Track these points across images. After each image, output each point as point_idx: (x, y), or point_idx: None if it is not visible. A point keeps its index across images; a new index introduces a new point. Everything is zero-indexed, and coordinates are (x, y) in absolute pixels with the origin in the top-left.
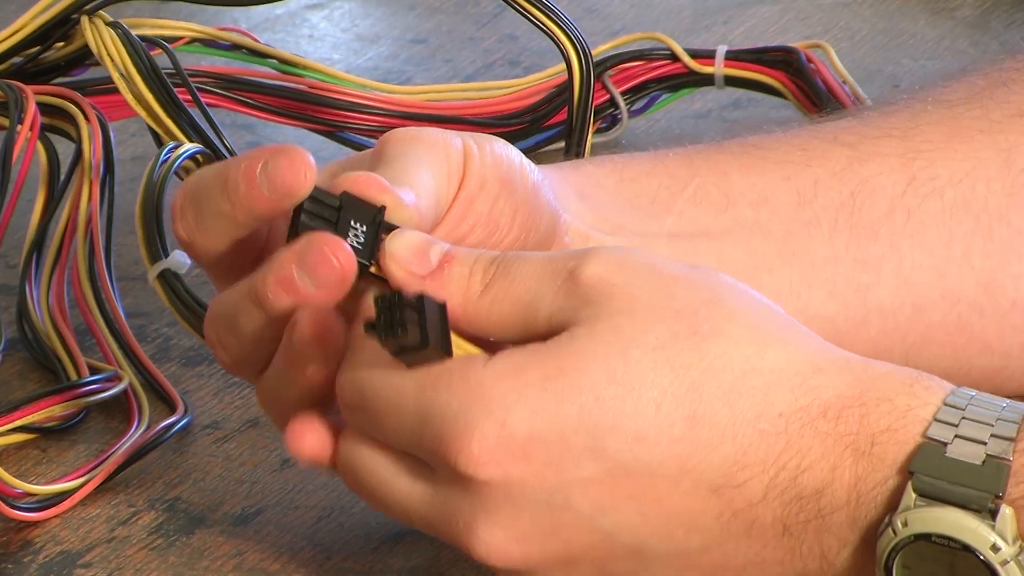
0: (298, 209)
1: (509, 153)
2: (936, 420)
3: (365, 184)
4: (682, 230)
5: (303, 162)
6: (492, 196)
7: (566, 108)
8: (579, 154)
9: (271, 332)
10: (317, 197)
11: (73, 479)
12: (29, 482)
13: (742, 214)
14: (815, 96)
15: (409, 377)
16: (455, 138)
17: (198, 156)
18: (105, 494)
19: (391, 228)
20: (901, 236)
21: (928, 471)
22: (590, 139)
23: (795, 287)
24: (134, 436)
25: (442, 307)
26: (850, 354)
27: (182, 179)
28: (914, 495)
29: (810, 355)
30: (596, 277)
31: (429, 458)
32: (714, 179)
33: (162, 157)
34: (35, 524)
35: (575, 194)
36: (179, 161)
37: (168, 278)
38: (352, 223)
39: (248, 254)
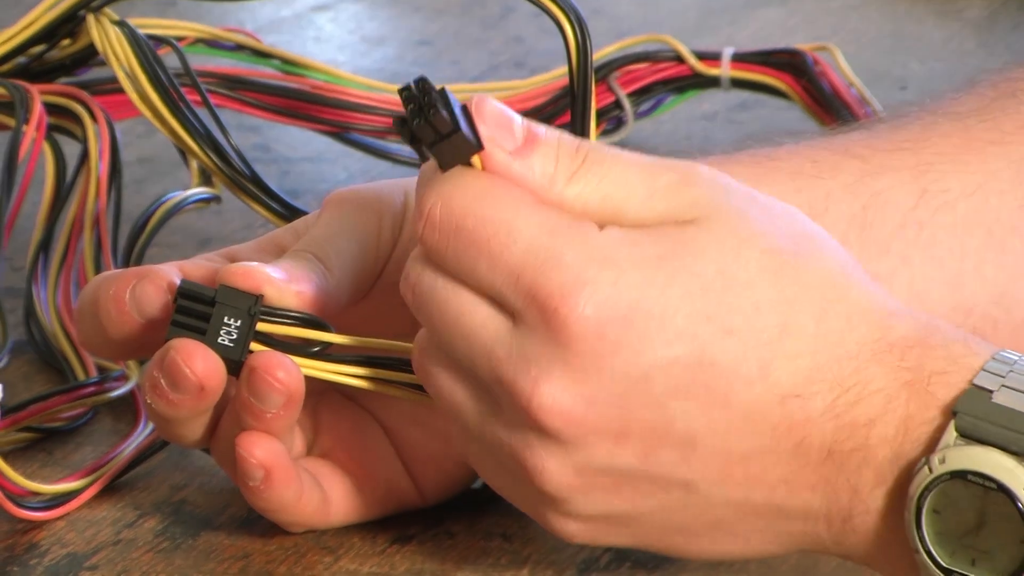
0: (174, 307)
1: None
2: (984, 370)
3: (240, 276)
4: None
5: (169, 286)
6: None
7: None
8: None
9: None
10: (191, 293)
11: (79, 479)
12: (35, 483)
13: None
14: (821, 98)
15: (524, 219)
16: (396, 195)
17: (202, 202)
18: (111, 496)
19: (272, 314)
20: (913, 249)
21: (972, 412)
22: (593, 122)
23: None
24: (141, 437)
25: (464, 106)
26: (912, 308)
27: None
28: (955, 434)
29: (884, 300)
30: (703, 192)
31: (521, 301)
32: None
33: (155, 206)
34: (41, 526)
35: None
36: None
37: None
38: (225, 319)
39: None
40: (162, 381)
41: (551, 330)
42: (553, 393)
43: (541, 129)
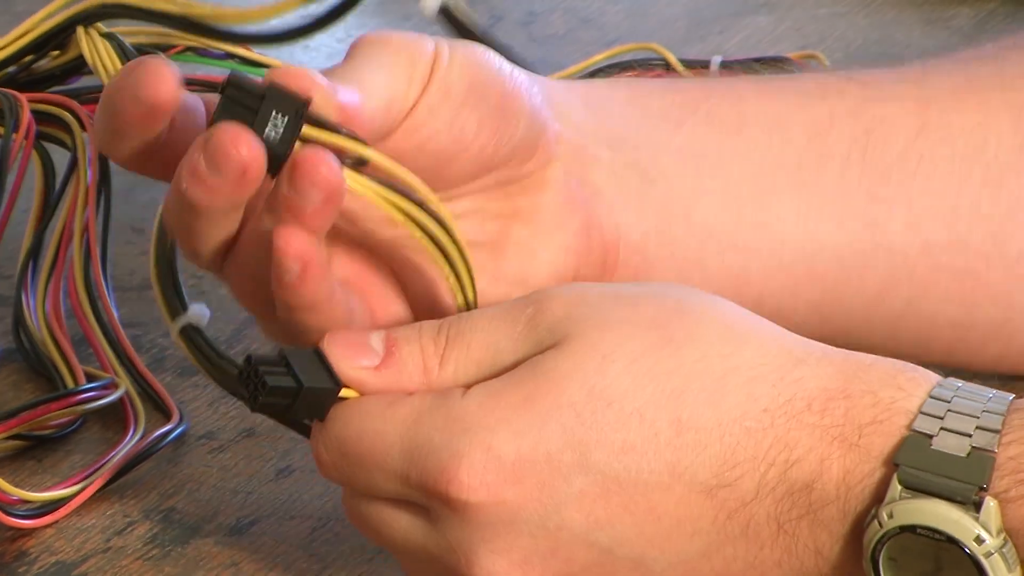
0: (220, 95)
1: (486, 59)
2: (921, 412)
3: (292, 76)
4: (691, 148)
5: (161, 72)
6: (457, 103)
7: None
8: None
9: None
10: (241, 85)
11: (68, 486)
12: (24, 490)
13: (755, 137)
14: None
15: (388, 422)
16: (427, 42)
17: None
18: (100, 504)
19: (318, 122)
20: (912, 179)
21: (913, 463)
22: None
23: (803, 215)
24: (130, 444)
25: (313, 352)
26: (828, 347)
27: None
28: (899, 487)
29: (788, 348)
30: (558, 312)
31: (421, 497)
32: (729, 101)
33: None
34: (30, 534)
35: (580, 103)
36: None
37: (190, 333)
38: (274, 114)
39: (169, 151)
40: (202, 164)
41: (455, 512)
42: (488, 568)
43: (400, 332)
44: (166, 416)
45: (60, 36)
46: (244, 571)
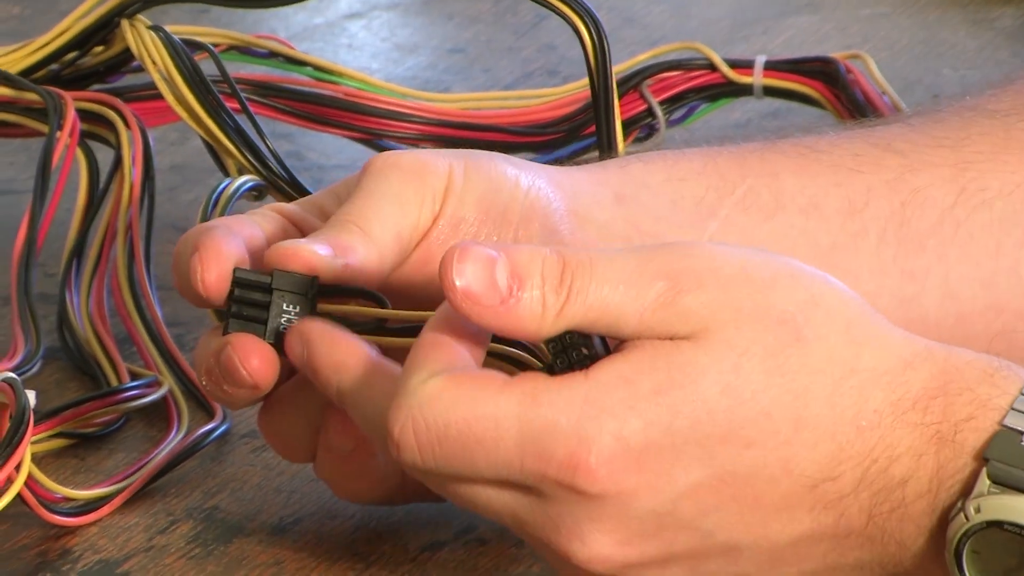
0: (227, 300)
1: (501, 179)
2: (1013, 409)
3: (292, 256)
4: (725, 236)
5: (207, 265)
6: (472, 231)
7: None
8: (610, 135)
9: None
10: (246, 281)
11: (112, 484)
12: (68, 488)
13: (790, 221)
14: (853, 106)
15: (503, 405)
16: (439, 164)
17: (253, 190)
18: (143, 503)
19: (327, 292)
20: (949, 248)
21: (1002, 458)
22: (618, 117)
23: None
24: (173, 442)
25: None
26: (932, 343)
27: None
28: (988, 482)
29: (899, 350)
30: (693, 299)
31: (531, 479)
32: (765, 181)
33: (214, 196)
34: (73, 532)
35: (612, 198)
36: (233, 200)
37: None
38: (284, 305)
39: None
40: (216, 372)
41: (571, 494)
42: (590, 545)
43: (523, 267)
44: (209, 415)
45: (102, 31)
46: (287, 570)
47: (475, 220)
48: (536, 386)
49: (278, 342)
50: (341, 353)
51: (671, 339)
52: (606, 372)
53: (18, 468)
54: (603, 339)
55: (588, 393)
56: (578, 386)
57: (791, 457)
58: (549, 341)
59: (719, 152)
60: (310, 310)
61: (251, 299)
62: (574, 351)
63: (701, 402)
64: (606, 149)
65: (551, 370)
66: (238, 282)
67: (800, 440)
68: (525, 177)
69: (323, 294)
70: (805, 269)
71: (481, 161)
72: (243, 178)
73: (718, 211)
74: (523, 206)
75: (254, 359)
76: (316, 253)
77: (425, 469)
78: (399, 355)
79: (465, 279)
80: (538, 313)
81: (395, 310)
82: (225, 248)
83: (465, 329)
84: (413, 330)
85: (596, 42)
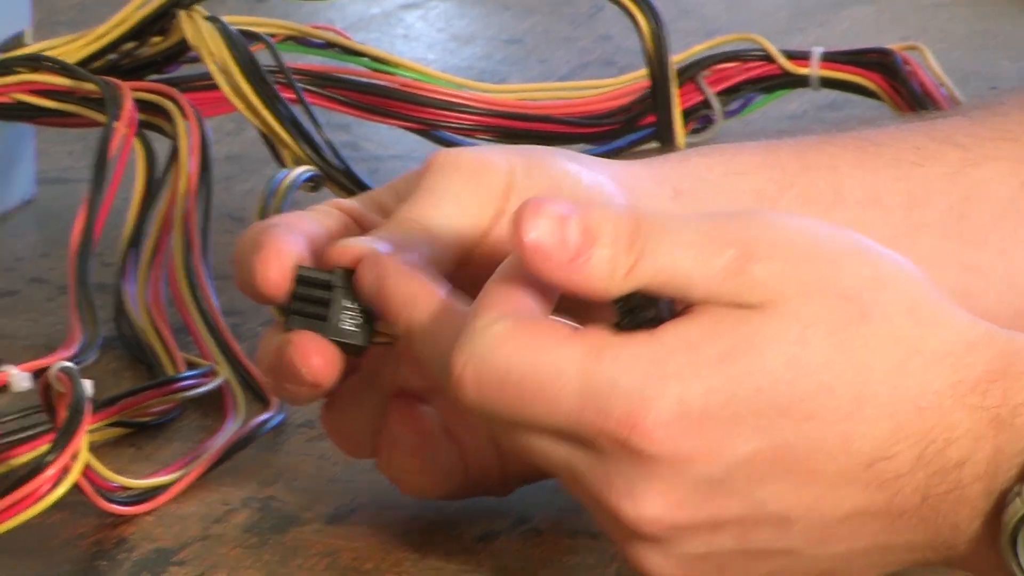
0: (290, 297)
1: (562, 174)
2: None
3: (351, 254)
4: None
5: (268, 263)
6: None
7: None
8: (669, 124)
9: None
10: (308, 279)
11: (168, 474)
12: (124, 477)
13: (850, 214)
14: (911, 98)
15: (566, 356)
16: (500, 163)
17: (310, 181)
18: (199, 492)
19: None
20: (1010, 242)
21: None
22: (678, 109)
23: None
24: (229, 432)
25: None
26: (993, 327)
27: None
28: None
29: (962, 332)
30: (763, 268)
31: (589, 432)
32: (824, 174)
33: (272, 186)
34: (129, 521)
35: (671, 193)
36: (292, 191)
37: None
38: (344, 303)
39: None
40: (280, 369)
41: (626, 452)
42: (641, 505)
43: (595, 224)
44: (265, 404)
45: (160, 21)
46: (342, 560)
47: None
48: (601, 341)
49: (342, 342)
50: (414, 286)
51: (738, 307)
52: (672, 335)
53: (75, 457)
54: (670, 304)
55: (653, 354)
56: (643, 346)
57: (850, 433)
58: (617, 300)
59: (778, 146)
60: (372, 312)
61: (313, 296)
62: (641, 311)
63: (765, 373)
64: (665, 140)
65: (617, 328)
66: (300, 280)
67: (860, 417)
68: (587, 174)
69: None
70: (872, 246)
71: (542, 158)
72: (300, 169)
73: (778, 203)
74: (584, 198)
75: (315, 357)
76: (375, 248)
77: (484, 411)
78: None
79: (536, 233)
80: (607, 272)
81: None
82: (286, 246)
83: (536, 279)
84: None
85: (654, 31)
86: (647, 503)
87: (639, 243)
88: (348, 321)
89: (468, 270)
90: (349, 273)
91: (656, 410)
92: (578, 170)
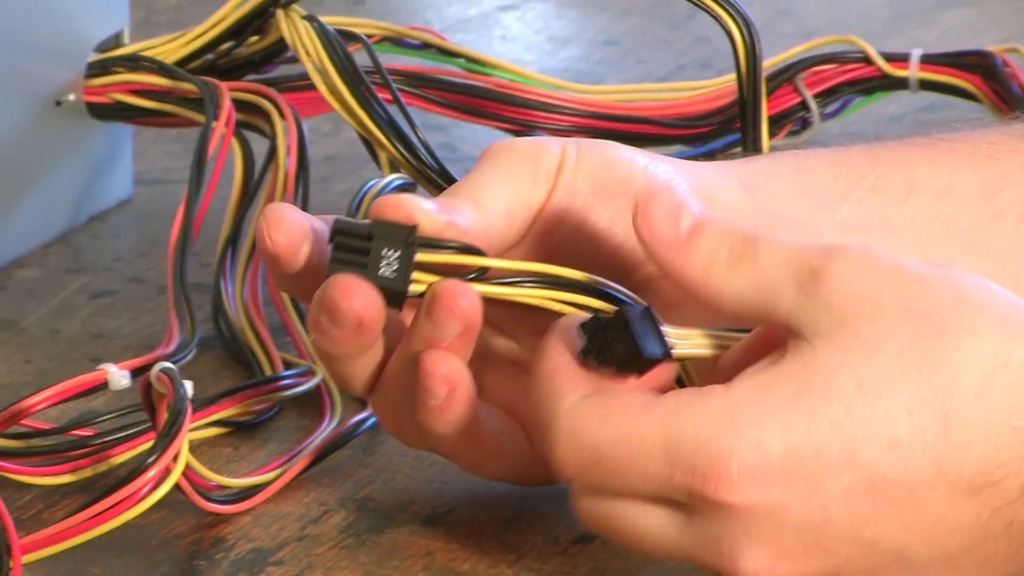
0: (331, 246)
1: (615, 158)
2: None
3: (392, 206)
4: (858, 220)
5: (269, 224)
6: (585, 206)
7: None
8: (756, 139)
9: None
10: (347, 230)
11: (265, 473)
12: (222, 476)
13: (924, 205)
14: (1011, 100)
15: (647, 421)
16: (552, 145)
17: (401, 189)
18: (296, 492)
19: (429, 244)
20: None
21: None
22: (765, 121)
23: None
24: (326, 432)
25: (646, 310)
26: None
27: None
28: None
29: None
30: (839, 280)
31: (682, 494)
32: (897, 168)
33: (360, 195)
34: (227, 520)
35: (738, 185)
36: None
37: None
38: (384, 251)
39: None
40: (322, 318)
41: (721, 510)
42: (753, 562)
43: (709, 221)
44: (362, 404)
45: (257, 21)
46: (438, 561)
47: (588, 192)
48: (679, 401)
49: (382, 288)
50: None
51: (813, 336)
52: (746, 382)
53: (176, 458)
54: (646, 312)
55: (728, 404)
56: (719, 397)
57: (944, 458)
58: (580, 325)
59: (848, 147)
60: (410, 257)
61: (351, 245)
62: (602, 333)
63: (837, 400)
64: (751, 150)
65: (582, 356)
66: (339, 230)
67: (951, 440)
68: (643, 156)
69: (424, 246)
70: (962, 273)
71: (594, 143)
72: (390, 177)
73: (850, 195)
74: (641, 181)
75: (356, 296)
76: (418, 205)
77: (590, 487)
78: (500, 305)
79: (654, 210)
80: (709, 260)
81: (496, 258)
82: (291, 212)
83: None
84: (514, 282)
85: (747, 43)
86: (755, 559)
87: (747, 245)
88: (387, 268)
89: (527, 246)
90: (386, 224)
91: (737, 460)
92: (632, 152)
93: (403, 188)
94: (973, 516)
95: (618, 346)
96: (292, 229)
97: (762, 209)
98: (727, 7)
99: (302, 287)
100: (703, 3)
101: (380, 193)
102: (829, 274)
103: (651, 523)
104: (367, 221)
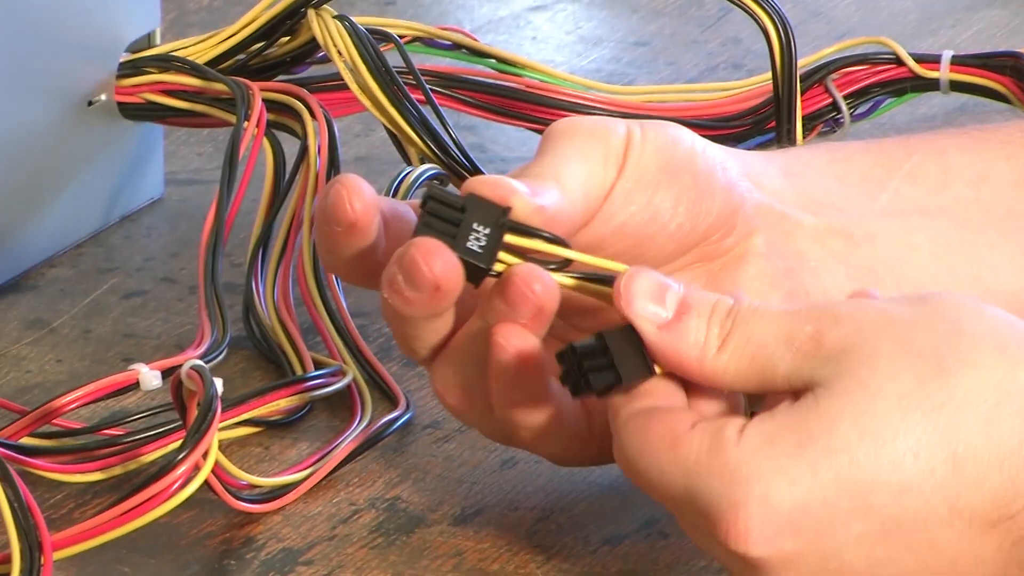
0: (421, 211)
1: (676, 138)
2: None
3: (490, 185)
4: (896, 207)
5: (350, 192)
6: (652, 185)
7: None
8: (790, 133)
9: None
10: (441, 199)
11: (295, 473)
12: (253, 476)
13: (960, 192)
14: None
15: (672, 462)
16: (618, 125)
17: (434, 180)
18: (326, 491)
19: (519, 228)
20: None
21: None
22: (799, 119)
23: (1016, 264)
24: (356, 431)
25: (626, 330)
26: None
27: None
28: None
29: None
30: (835, 341)
31: (706, 532)
32: (931, 157)
33: (395, 183)
34: (257, 520)
35: (779, 172)
36: (415, 186)
37: None
38: (474, 226)
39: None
40: (399, 277)
41: (735, 558)
42: None
43: (694, 298)
44: (392, 404)
45: (289, 21)
46: (468, 561)
47: (656, 171)
48: (700, 448)
49: (466, 261)
50: None
51: (815, 388)
52: (754, 433)
53: (206, 455)
54: (625, 331)
55: (739, 457)
56: (731, 450)
57: (957, 497)
58: (557, 354)
59: (883, 139)
60: (500, 237)
61: (442, 214)
62: (579, 361)
63: (841, 451)
64: (785, 145)
65: (562, 383)
66: (432, 196)
67: (961, 478)
68: (699, 141)
69: (514, 230)
70: (951, 297)
71: (654, 122)
72: (424, 167)
73: (886, 184)
74: (699, 163)
75: (437, 259)
76: (514, 186)
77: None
78: (580, 298)
79: (638, 297)
80: (700, 341)
81: (580, 252)
82: (365, 182)
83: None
84: (599, 278)
85: (784, 45)
86: None
87: (731, 318)
88: (475, 243)
89: (595, 227)
90: (480, 201)
91: (745, 514)
92: (691, 134)
93: (436, 178)
94: (994, 547)
95: (594, 377)
96: (368, 198)
97: (803, 196)
98: (764, 5)
99: (358, 267)
100: (741, 1)
101: (415, 183)
102: (826, 331)
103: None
104: (460, 196)
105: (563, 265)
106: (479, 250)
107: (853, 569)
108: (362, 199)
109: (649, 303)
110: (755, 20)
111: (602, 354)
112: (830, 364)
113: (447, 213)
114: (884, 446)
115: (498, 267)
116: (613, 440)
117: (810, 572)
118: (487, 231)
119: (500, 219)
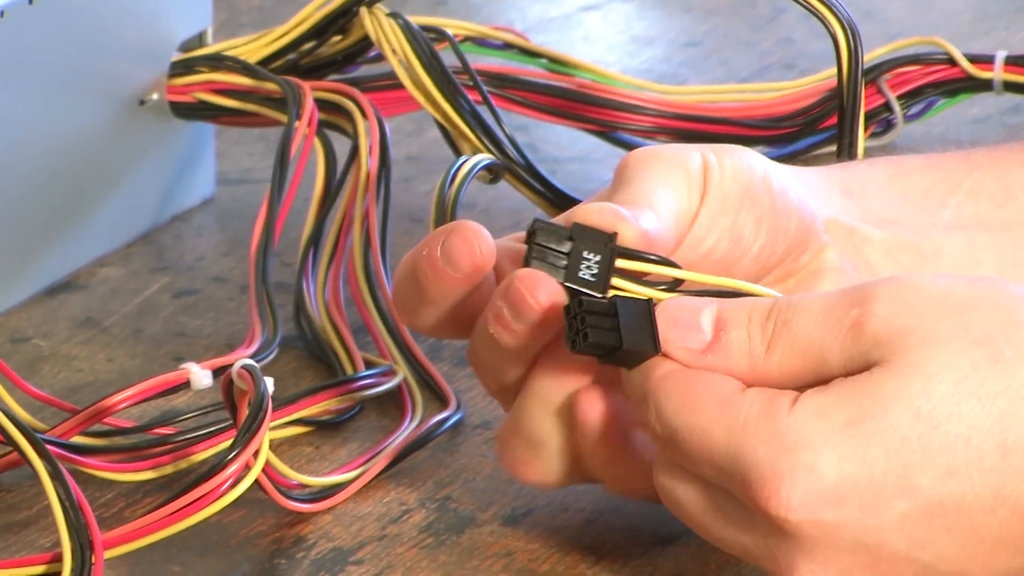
0: (528, 244)
1: (750, 163)
2: None
3: (596, 213)
4: (958, 223)
5: (475, 237)
6: (734, 209)
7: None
8: (852, 144)
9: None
10: (547, 230)
11: (346, 472)
12: (303, 475)
13: (1022, 208)
14: None
15: (717, 423)
16: (694, 153)
17: (488, 168)
18: (376, 492)
19: (627, 253)
20: None
21: None
22: (861, 128)
23: None
24: (407, 431)
25: (641, 303)
26: None
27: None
28: None
29: None
30: (883, 321)
31: (741, 498)
32: (993, 173)
33: (451, 172)
34: (307, 519)
35: (840, 191)
36: (470, 176)
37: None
38: (584, 254)
39: (474, 308)
40: (505, 311)
41: (775, 522)
42: None
43: (730, 311)
44: (443, 404)
45: (340, 20)
46: (518, 561)
47: (737, 195)
48: (749, 413)
49: (576, 288)
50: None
51: (868, 369)
52: (806, 405)
53: (256, 454)
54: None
55: (787, 426)
56: (781, 418)
57: (1003, 485)
58: (567, 308)
59: (942, 153)
60: (611, 263)
61: (550, 247)
62: (582, 326)
63: (893, 430)
64: (845, 156)
65: (570, 346)
66: (539, 228)
67: (1009, 467)
68: (769, 163)
69: (621, 255)
70: (1011, 290)
71: (728, 147)
72: (479, 156)
73: (948, 200)
74: (773, 185)
75: (542, 290)
76: (621, 213)
77: (667, 460)
78: None
79: (666, 325)
80: (745, 351)
81: (690, 272)
82: (479, 228)
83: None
84: (712, 295)
85: (851, 47)
86: (811, 575)
87: (772, 319)
88: (587, 271)
89: (682, 253)
90: (586, 229)
91: (788, 481)
92: (763, 161)
93: (491, 168)
94: None
95: (595, 332)
96: (491, 242)
97: (866, 212)
98: (834, 9)
99: (454, 314)
100: (809, 4)
101: (471, 172)
102: (871, 320)
103: (716, 516)
104: (566, 227)
105: (674, 285)
106: (592, 278)
107: (891, 547)
108: (488, 243)
109: (685, 332)
110: (823, 23)
111: (609, 316)
112: (883, 345)
113: (554, 243)
114: (936, 428)
115: (610, 293)
116: (639, 401)
117: (847, 547)
118: (597, 258)
119: (609, 245)
